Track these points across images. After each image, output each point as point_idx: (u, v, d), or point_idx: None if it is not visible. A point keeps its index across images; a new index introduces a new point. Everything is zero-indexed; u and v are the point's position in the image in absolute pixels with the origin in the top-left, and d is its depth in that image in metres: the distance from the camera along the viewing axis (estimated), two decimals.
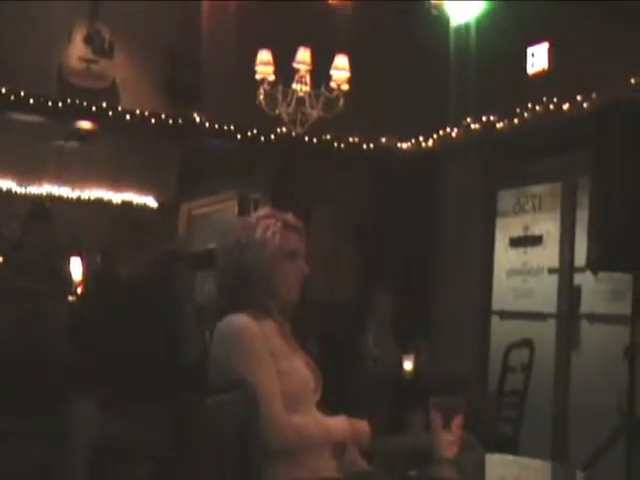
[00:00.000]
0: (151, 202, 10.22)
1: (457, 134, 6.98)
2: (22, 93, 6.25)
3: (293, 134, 6.62)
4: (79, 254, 7.10)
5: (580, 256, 5.89)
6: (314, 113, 6.28)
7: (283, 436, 2.48)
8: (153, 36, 6.75)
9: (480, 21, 6.87)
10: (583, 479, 2.68)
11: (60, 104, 6.36)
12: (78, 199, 9.92)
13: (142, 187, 10.09)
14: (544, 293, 6.61)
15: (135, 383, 4.11)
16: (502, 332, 6.73)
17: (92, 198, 9.99)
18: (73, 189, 9.89)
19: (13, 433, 4.61)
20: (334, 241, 7.34)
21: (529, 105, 6.16)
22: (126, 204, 10.06)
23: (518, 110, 6.25)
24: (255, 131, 6.99)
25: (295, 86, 6.19)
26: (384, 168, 7.48)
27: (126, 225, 4.90)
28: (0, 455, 4.55)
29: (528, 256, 6.83)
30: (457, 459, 2.67)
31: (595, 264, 4.24)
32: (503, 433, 5.38)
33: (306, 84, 6.19)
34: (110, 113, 6.55)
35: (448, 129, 7.06)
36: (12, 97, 6.23)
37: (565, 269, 6.42)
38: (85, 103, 6.44)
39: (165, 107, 6.80)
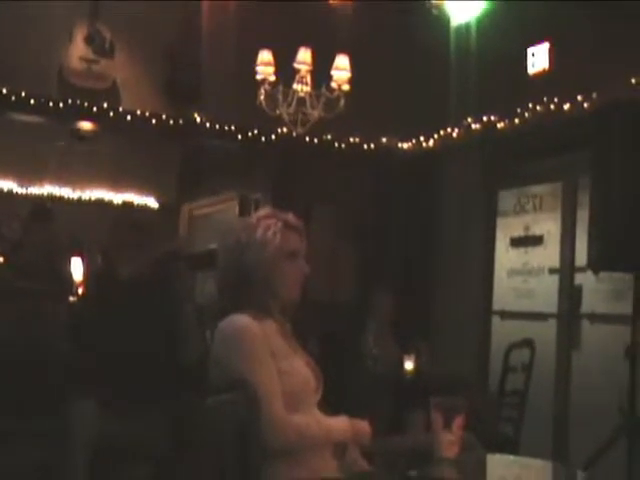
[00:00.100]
0: (152, 202, 10.23)
1: (458, 134, 6.98)
2: (23, 93, 6.25)
3: (294, 134, 6.62)
4: (79, 254, 7.10)
5: (581, 256, 5.89)
6: (315, 113, 6.28)
7: (284, 436, 2.48)
8: (154, 36, 6.75)
9: (480, 21, 6.86)
10: (584, 479, 2.68)
11: (61, 104, 6.37)
12: (79, 199, 9.93)
13: (143, 187, 10.10)
14: (545, 293, 6.61)
15: (135, 383, 4.11)
16: (503, 332, 6.73)
17: (93, 198, 10.00)
18: (74, 189, 9.90)
19: (13, 433, 4.61)
20: (334, 241, 7.34)
21: (529, 105, 6.16)
22: (127, 204, 10.07)
23: (519, 110, 6.25)
24: (256, 131, 6.99)
25: (296, 86, 6.19)
26: (385, 168, 7.48)
27: (127, 225, 4.90)
28: (0, 455, 4.55)
29: (529, 256, 6.83)
30: (458, 459, 2.67)
31: (596, 264, 4.24)
32: (504, 433, 5.37)
33: (307, 84, 6.19)
34: (111, 113, 6.55)
35: (449, 129, 7.06)
36: (13, 97, 6.23)
37: (566, 269, 6.42)
38: (86, 103, 6.44)
39: (166, 107, 6.80)
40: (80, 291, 6.43)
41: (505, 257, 7.01)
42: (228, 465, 2.34)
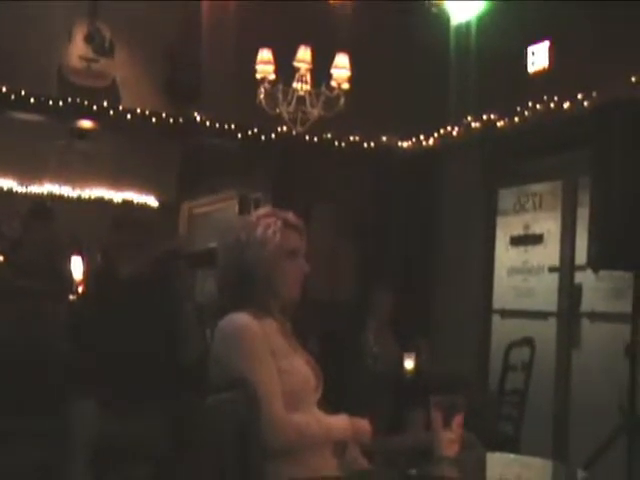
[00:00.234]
0: (152, 201, 10.23)
1: (458, 133, 6.98)
2: (22, 92, 6.25)
3: (293, 133, 6.62)
4: (79, 253, 7.11)
5: (581, 254, 5.88)
6: (315, 112, 6.28)
7: (284, 435, 2.48)
8: (153, 35, 6.75)
9: (480, 20, 6.87)
10: (584, 478, 2.68)
11: (60, 103, 6.36)
12: (78, 198, 9.93)
13: (143, 186, 10.10)
14: (545, 292, 6.61)
15: (135, 383, 4.11)
16: (503, 331, 6.73)
17: (92, 197, 10.00)
18: (74, 188, 9.91)
19: (13, 433, 4.61)
20: (334, 240, 7.33)
21: (529, 104, 6.15)
22: (127, 203, 10.07)
23: (518, 109, 6.25)
24: (255, 130, 6.99)
25: (295, 85, 6.19)
26: (384, 167, 7.48)
27: (127, 224, 4.90)
28: (0, 455, 4.55)
29: (529, 255, 6.83)
30: (458, 458, 2.67)
31: (596, 262, 4.24)
32: (504, 432, 5.38)
33: (306, 83, 6.19)
34: (110, 112, 6.55)
35: (449, 128, 7.06)
36: (13, 96, 6.23)
37: (566, 267, 6.42)
38: (85, 102, 6.44)
39: (165, 106, 6.80)
40: (80, 290, 6.42)
41: (505, 256, 7.01)
42: (228, 464, 2.34)
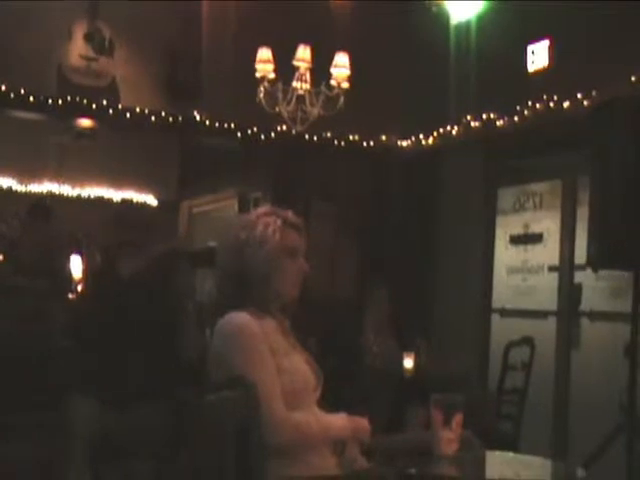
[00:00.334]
0: (151, 200, 10.22)
1: (457, 132, 6.97)
2: (22, 91, 6.24)
3: (293, 132, 6.62)
4: (79, 252, 7.10)
5: (580, 254, 5.89)
6: (314, 111, 6.28)
7: (283, 433, 2.48)
8: (153, 34, 6.75)
9: (480, 19, 6.86)
10: (583, 476, 2.68)
11: (60, 102, 6.36)
12: (78, 197, 9.93)
13: (142, 185, 10.10)
14: (544, 291, 6.61)
15: (135, 380, 4.11)
16: (502, 330, 6.73)
17: (92, 196, 9.99)
18: (73, 187, 9.90)
19: (13, 430, 4.61)
20: (334, 239, 7.34)
21: (529, 103, 6.15)
22: (126, 202, 10.05)
23: (518, 108, 6.25)
24: (255, 129, 6.99)
25: (295, 84, 6.19)
26: (384, 166, 7.48)
27: (126, 223, 4.89)
28: (0, 452, 4.55)
29: (528, 254, 6.83)
30: (457, 456, 2.67)
31: (595, 262, 4.23)
32: (503, 430, 5.37)
33: (306, 82, 6.19)
34: (110, 111, 6.54)
35: (448, 127, 7.06)
36: (12, 95, 6.23)
37: (565, 267, 6.42)
38: (85, 101, 6.44)
39: (165, 105, 6.80)
40: (79, 288, 6.43)
41: (505, 255, 7.01)
42: (227, 462, 2.34)
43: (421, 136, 7.37)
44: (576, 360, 6.25)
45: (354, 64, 6.16)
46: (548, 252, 6.62)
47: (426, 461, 2.66)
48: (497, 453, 2.99)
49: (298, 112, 6.29)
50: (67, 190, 9.85)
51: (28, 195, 9.42)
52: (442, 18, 7.11)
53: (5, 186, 9.53)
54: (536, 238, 6.77)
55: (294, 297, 2.76)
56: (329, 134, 7.18)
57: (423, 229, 7.34)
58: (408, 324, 6.35)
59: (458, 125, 6.95)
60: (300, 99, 6.24)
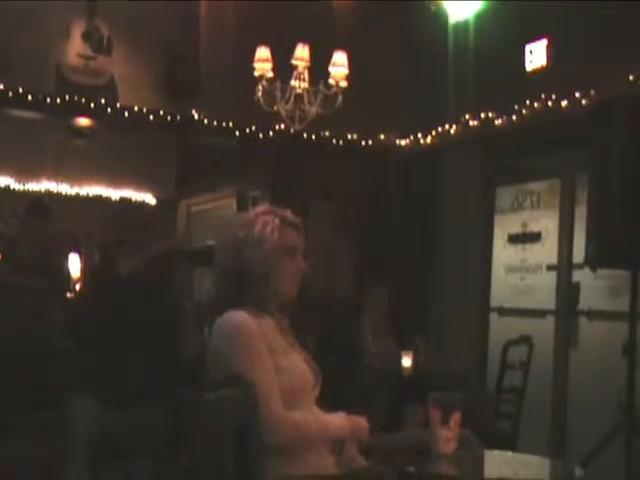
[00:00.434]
0: (150, 199, 10.21)
1: (456, 131, 6.98)
2: (20, 90, 6.24)
3: (291, 131, 6.62)
4: (77, 251, 7.10)
5: (579, 253, 5.90)
6: (312, 110, 6.28)
7: (282, 432, 2.49)
8: (151, 33, 6.75)
9: (479, 18, 6.86)
10: (581, 475, 2.68)
11: (58, 101, 6.36)
12: (76, 196, 9.91)
13: (141, 184, 10.09)
14: (543, 290, 6.61)
15: (134, 379, 4.11)
16: (501, 329, 6.73)
17: (90, 195, 9.98)
18: (71, 186, 9.88)
19: (13, 430, 4.61)
20: (333, 237, 7.34)
21: (527, 102, 6.15)
22: (125, 201, 10.05)
23: (517, 107, 6.25)
24: (253, 128, 6.98)
25: (293, 83, 6.19)
26: (383, 165, 7.48)
27: (125, 222, 4.90)
28: (0, 452, 4.55)
29: (526, 253, 6.83)
30: (455, 455, 2.67)
31: (594, 261, 4.23)
32: (502, 429, 5.37)
33: (304, 81, 6.19)
34: (108, 110, 6.54)
35: (447, 126, 7.06)
36: (10, 94, 6.22)
37: (563, 266, 6.42)
38: (83, 100, 6.43)
39: (163, 104, 6.79)
40: (78, 287, 6.42)
41: (503, 254, 7.01)
42: (226, 461, 2.34)
43: (419, 135, 7.37)
44: (574, 359, 6.26)
45: (353, 63, 6.16)
46: (546, 251, 6.62)
47: (424, 460, 2.67)
48: (495, 452, 2.99)
49: (296, 111, 6.29)
50: (65, 189, 9.84)
51: (26, 194, 9.40)
52: (441, 17, 7.11)
53: (3, 185, 9.51)
54: (534, 237, 6.77)
55: (292, 296, 2.76)
56: (327, 133, 7.18)
57: (421, 228, 7.34)
58: (406, 323, 6.35)
59: (456, 124, 6.95)
60: (298, 98, 6.24)
